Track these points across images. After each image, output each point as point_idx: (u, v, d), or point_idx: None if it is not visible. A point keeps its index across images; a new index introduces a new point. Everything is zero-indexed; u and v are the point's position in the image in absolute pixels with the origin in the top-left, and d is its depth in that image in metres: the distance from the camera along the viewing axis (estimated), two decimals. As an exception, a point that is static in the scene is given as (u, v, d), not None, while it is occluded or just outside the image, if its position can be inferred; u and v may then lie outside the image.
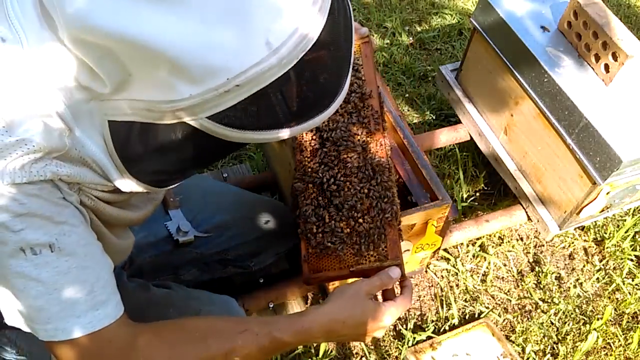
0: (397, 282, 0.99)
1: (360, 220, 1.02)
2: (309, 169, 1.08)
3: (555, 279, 1.78)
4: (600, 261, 1.84)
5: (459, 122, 1.90)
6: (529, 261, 1.82)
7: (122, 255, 0.97)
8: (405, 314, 1.65)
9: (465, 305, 1.69)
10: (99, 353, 0.77)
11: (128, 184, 0.75)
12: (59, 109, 0.67)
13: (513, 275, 1.78)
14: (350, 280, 0.98)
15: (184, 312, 1.07)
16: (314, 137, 1.10)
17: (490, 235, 1.84)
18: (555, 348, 1.63)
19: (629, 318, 1.72)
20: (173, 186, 0.84)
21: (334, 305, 0.90)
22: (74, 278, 0.72)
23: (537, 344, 1.64)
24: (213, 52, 0.57)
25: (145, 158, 0.70)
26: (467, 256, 1.80)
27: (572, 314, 1.71)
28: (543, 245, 1.86)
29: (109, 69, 0.61)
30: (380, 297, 1.00)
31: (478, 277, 1.76)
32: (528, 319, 1.69)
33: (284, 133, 0.66)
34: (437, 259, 1.77)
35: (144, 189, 0.76)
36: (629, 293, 1.77)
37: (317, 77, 0.64)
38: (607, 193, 1.47)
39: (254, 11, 0.57)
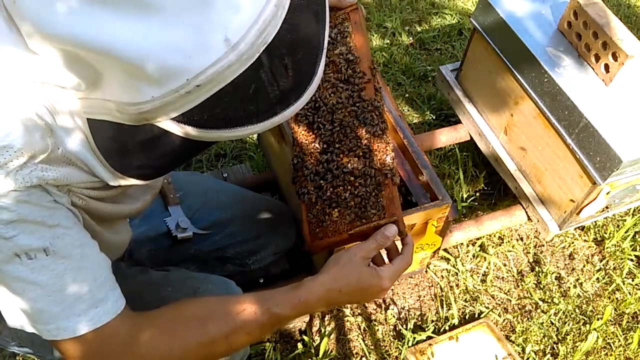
0: (400, 239, 0.98)
1: (357, 184, 1.02)
2: (305, 141, 1.08)
3: (555, 279, 1.79)
4: (600, 261, 1.84)
5: (459, 122, 1.90)
6: (529, 261, 1.82)
7: (117, 251, 0.98)
8: (405, 313, 1.65)
9: (465, 305, 1.69)
10: (102, 348, 0.78)
11: (114, 178, 0.75)
12: (38, 109, 0.66)
13: (513, 275, 1.78)
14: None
15: (181, 291, 1.07)
16: (308, 109, 1.09)
17: (490, 235, 1.84)
18: (555, 348, 1.63)
19: (629, 318, 1.72)
20: (163, 177, 0.83)
21: (328, 274, 0.89)
22: (71, 279, 0.73)
23: (537, 344, 1.64)
24: (170, 53, 0.56)
25: (125, 154, 0.69)
26: (467, 256, 1.80)
27: (572, 314, 1.71)
28: (543, 245, 1.86)
29: (80, 70, 0.61)
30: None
31: (478, 277, 1.76)
32: (528, 319, 1.69)
33: (254, 129, 0.63)
34: (437, 259, 1.77)
35: (131, 182, 0.76)
36: (629, 293, 1.77)
37: (283, 69, 0.61)
38: (607, 193, 1.47)
39: (211, 8, 0.55)
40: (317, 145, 1.06)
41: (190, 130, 0.62)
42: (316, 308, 0.90)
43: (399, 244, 0.99)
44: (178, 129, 0.62)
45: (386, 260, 0.98)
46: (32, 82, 0.66)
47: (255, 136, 1.94)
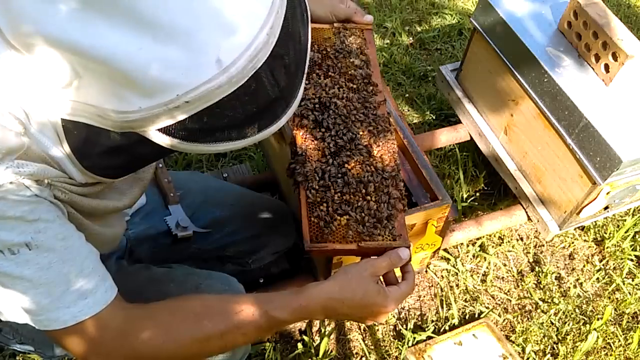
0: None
1: (369, 197, 0.99)
2: (310, 136, 1.04)
3: (555, 279, 1.79)
4: (600, 261, 1.84)
5: (459, 122, 1.90)
6: (529, 261, 1.82)
7: (110, 243, 0.97)
8: (405, 313, 1.65)
9: (465, 305, 1.69)
10: (94, 339, 0.78)
11: (84, 177, 0.75)
12: (12, 108, 0.67)
13: (513, 275, 1.78)
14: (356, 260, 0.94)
15: (184, 286, 1.07)
16: (317, 104, 1.06)
17: (490, 235, 1.84)
18: (555, 348, 1.63)
19: (629, 318, 1.72)
20: (152, 170, 0.85)
21: (334, 283, 0.88)
22: (57, 272, 0.74)
23: (537, 344, 1.64)
24: (164, 68, 0.57)
25: (98, 156, 0.71)
26: (467, 256, 1.80)
27: (572, 314, 1.71)
28: (543, 245, 1.86)
29: (59, 70, 0.61)
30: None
31: (478, 277, 1.76)
32: (528, 319, 1.69)
33: (236, 144, 0.66)
34: (437, 259, 1.77)
35: (100, 180, 0.77)
36: (629, 293, 1.77)
37: (267, 92, 0.64)
38: (607, 193, 1.47)
39: (206, 29, 0.57)
40: (325, 144, 1.03)
41: (172, 142, 0.64)
42: (315, 315, 0.89)
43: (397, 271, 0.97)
44: (160, 140, 0.64)
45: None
46: (7, 81, 0.66)
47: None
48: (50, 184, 0.73)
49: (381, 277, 0.95)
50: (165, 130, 0.62)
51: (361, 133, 1.05)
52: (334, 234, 0.97)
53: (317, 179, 1.00)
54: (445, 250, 1.78)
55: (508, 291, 1.75)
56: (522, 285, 1.76)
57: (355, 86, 1.09)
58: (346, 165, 1.01)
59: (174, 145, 0.64)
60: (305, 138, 1.04)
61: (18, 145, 0.67)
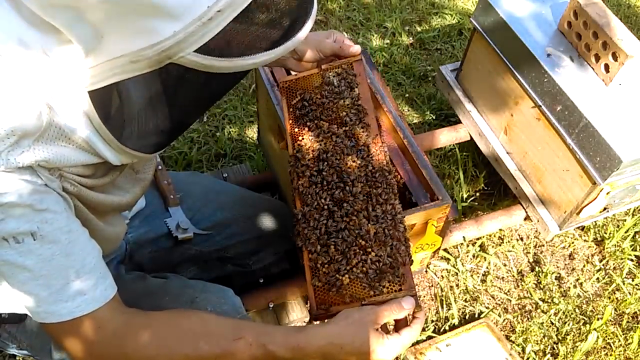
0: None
1: (369, 250, 0.97)
2: (309, 196, 1.04)
3: (555, 279, 1.79)
4: (600, 261, 1.84)
5: (459, 122, 1.90)
6: (529, 261, 1.82)
7: (112, 243, 0.97)
8: (405, 314, 1.65)
9: (465, 305, 1.69)
10: (89, 338, 0.78)
11: (117, 155, 0.75)
12: (36, 88, 0.66)
13: (513, 275, 1.78)
14: None
15: (179, 300, 1.07)
16: (311, 160, 1.07)
17: (490, 235, 1.84)
18: (555, 348, 1.63)
19: (629, 318, 1.72)
20: (162, 150, 0.84)
21: (335, 328, 0.87)
22: (58, 265, 0.74)
23: (537, 344, 1.64)
24: None
25: (134, 119, 0.70)
26: (467, 256, 1.80)
27: (572, 314, 1.71)
28: (543, 245, 1.86)
29: (80, 33, 0.61)
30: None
31: (478, 277, 1.76)
32: (528, 319, 1.69)
33: (274, 53, 0.66)
34: (437, 259, 1.77)
35: (132, 158, 0.76)
36: (629, 293, 1.77)
37: None
38: (607, 193, 1.48)
39: None
40: (322, 200, 1.02)
41: (212, 62, 0.63)
42: (312, 357, 0.88)
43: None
44: (199, 63, 0.63)
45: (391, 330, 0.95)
46: (30, 63, 0.66)
47: (255, 136, 1.94)
48: (61, 174, 0.73)
49: (392, 321, 0.94)
50: (203, 50, 0.62)
51: (356, 181, 1.03)
52: (338, 296, 0.96)
53: (318, 240, 1.00)
54: (445, 250, 1.78)
55: (508, 291, 1.75)
56: (522, 285, 1.76)
57: (347, 128, 1.07)
58: (345, 219, 1.00)
59: (212, 65, 0.64)
60: (303, 199, 1.04)
61: (35, 127, 0.66)
